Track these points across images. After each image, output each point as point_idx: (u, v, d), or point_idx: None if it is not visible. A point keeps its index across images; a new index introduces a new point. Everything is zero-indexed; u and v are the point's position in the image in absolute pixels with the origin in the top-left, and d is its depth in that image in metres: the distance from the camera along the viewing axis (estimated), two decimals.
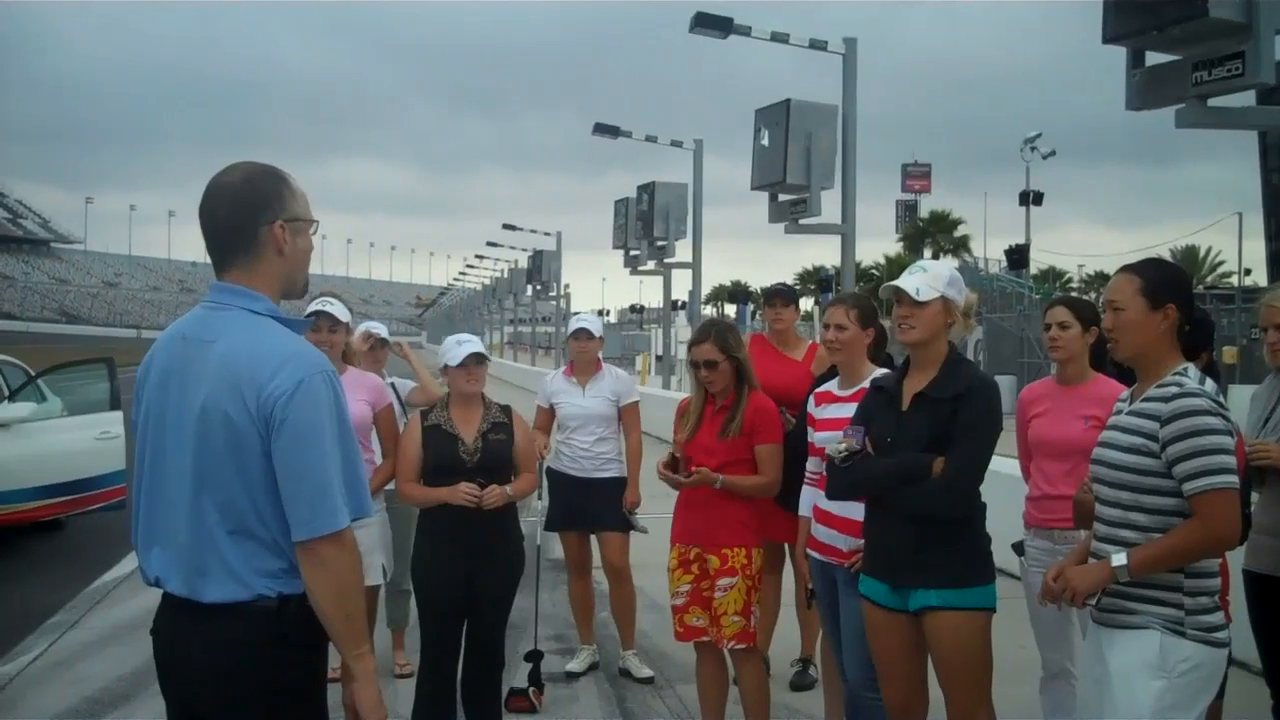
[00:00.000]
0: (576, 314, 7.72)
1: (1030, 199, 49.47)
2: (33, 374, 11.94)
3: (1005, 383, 28.98)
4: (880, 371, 5.18)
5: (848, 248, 14.45)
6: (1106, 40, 8.36)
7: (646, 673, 7.15)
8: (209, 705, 2.96)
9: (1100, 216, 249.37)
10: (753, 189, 14.42)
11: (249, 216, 2.99)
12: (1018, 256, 43.68)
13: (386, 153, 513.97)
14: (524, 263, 51.76)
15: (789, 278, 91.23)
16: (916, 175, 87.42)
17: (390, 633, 7.28)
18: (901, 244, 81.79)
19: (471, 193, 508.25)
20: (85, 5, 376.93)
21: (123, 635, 7.86)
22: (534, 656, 6.68)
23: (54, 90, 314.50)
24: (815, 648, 6.67)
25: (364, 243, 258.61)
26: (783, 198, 14.23)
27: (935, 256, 69.29)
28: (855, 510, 4.74)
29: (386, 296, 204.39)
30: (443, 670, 5.57)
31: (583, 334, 7.27)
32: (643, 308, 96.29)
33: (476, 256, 69.70)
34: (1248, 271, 57.05)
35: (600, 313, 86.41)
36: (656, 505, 6.64)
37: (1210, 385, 3.68)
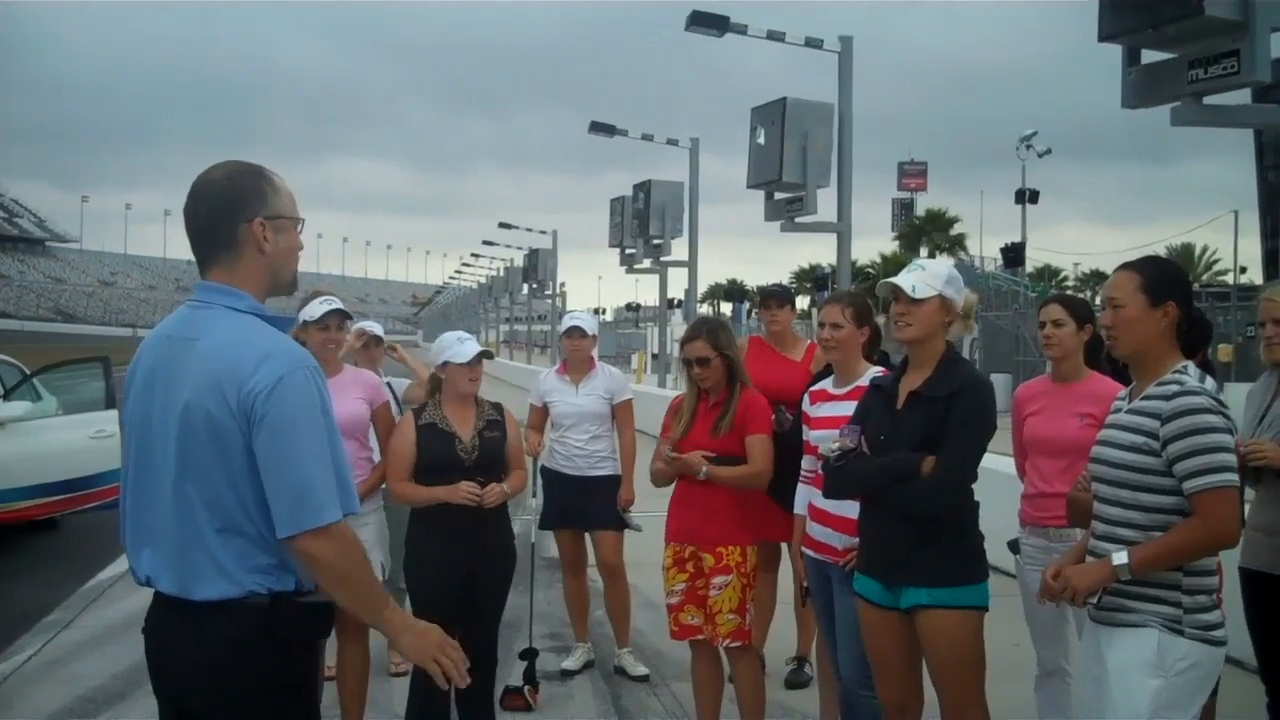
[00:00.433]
0: (571, 312, 7.71)
1: (1026, 197, 49.61)
2: (28, 373, 11.94)
3: (1001, 381, 29.01)
4: (875, 370, 5.18)
5: (844, 246, 14.45)
6: (1102, 38, 8.36)
7: (642, 671, 7.14)
8: (201, 703, 2.95)
9: (1096, 214, 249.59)
10: (749, 187, 14.43)
11: (228, 214, 2.99)
12: (1013, 255, 43.79)
13: (383, 152, 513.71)
14: (520, 261, 51.77)
15: (785, 276, 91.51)
16: (912, 173, 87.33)
17: None
18: (897, 242, 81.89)
19: (467, 191, 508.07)
20: (83, 4, 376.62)
21: (117, 634, 7.84)
22: (529, 655, 6.68)
23: (50, 89, 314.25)
24: (811, 646, 6.67)
25: (360, 241, 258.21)
26: (779, 196, 14.24)
27: (931, 255, 69.38)
28: (850, 509, 4.74)
29: (382, 295, 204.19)
30: None
31: (576, 332, 7.27)
32: (639, 306, 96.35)
33: (472, 255, 69.78)
34: (1243, 269, 57.16)
35: (596, 311, 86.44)
36: (651, 503, 6.64)
37: (1210, 383, 3.68)
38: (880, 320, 5.78)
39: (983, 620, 4.35)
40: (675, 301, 34.42)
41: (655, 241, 23.44)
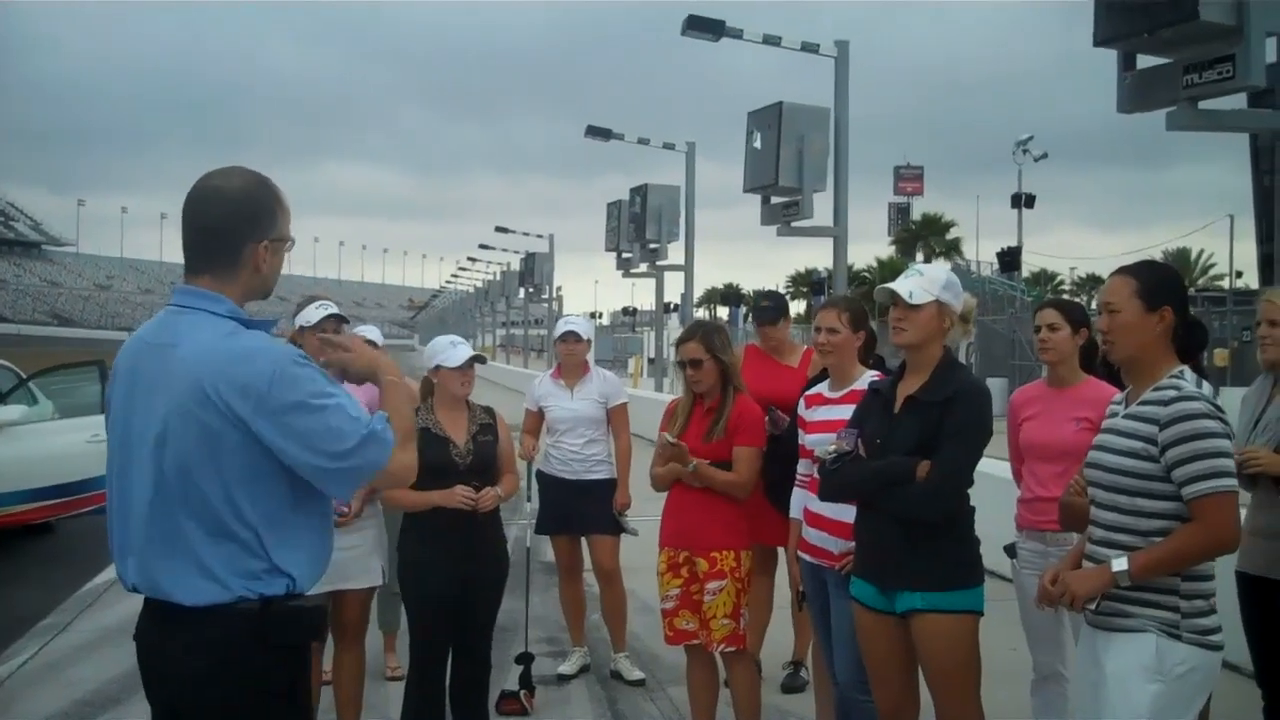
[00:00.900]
0: (566, 316, 7.71)
1: (1022, 201, 49.63)
2: (24, 376, 11.93)
3: (997, 385, 29.02)
4: (871, 374, 5.19)
5: (840, 250, 14.48)
6: (1098, 43, 8.39)
7: (638, 675, 7.14)
8: (193, 709, 2.94)
9: (1092, 219, 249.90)
10: (745, 191, 14.46)
11: (238, 231, 2.99)
12: (1009, 259, 43.81)
13: (378, 156, 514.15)
14: (516, 265, 51.83)
15: (781, 280, 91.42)
16: (909, 178, 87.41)
17: (382, 635, 7.27)
18: (894, 247, 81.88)
19: (463, 195, 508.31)
20: (80, 9, 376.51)
21: (113, 638, 7.83)
22: (525, 659, 6.67)
23: (46, 93, 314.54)
24: (807, 650, 6.67)
25: (356, 245, 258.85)
26: (775, 200, 14.27)
27: (927, 259, 69.35)
28: (846, 513, 4.74)
29: (379, 299, 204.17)
30: (432, 674, 5.55)
31: (570, 336, 7.27)
32: (635, 310, 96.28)
33: (469, 259, 69.78)
34: (1239, 274, 57.21)
35: (593, 315, 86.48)
36: (647, 507, 6.64)
37: (1207, 388, 3.68)
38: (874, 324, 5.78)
39: (978, 625, 4.35)
40: (672, 305, 34.34)
41: (652, 245, 23.50)
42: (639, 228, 23.33)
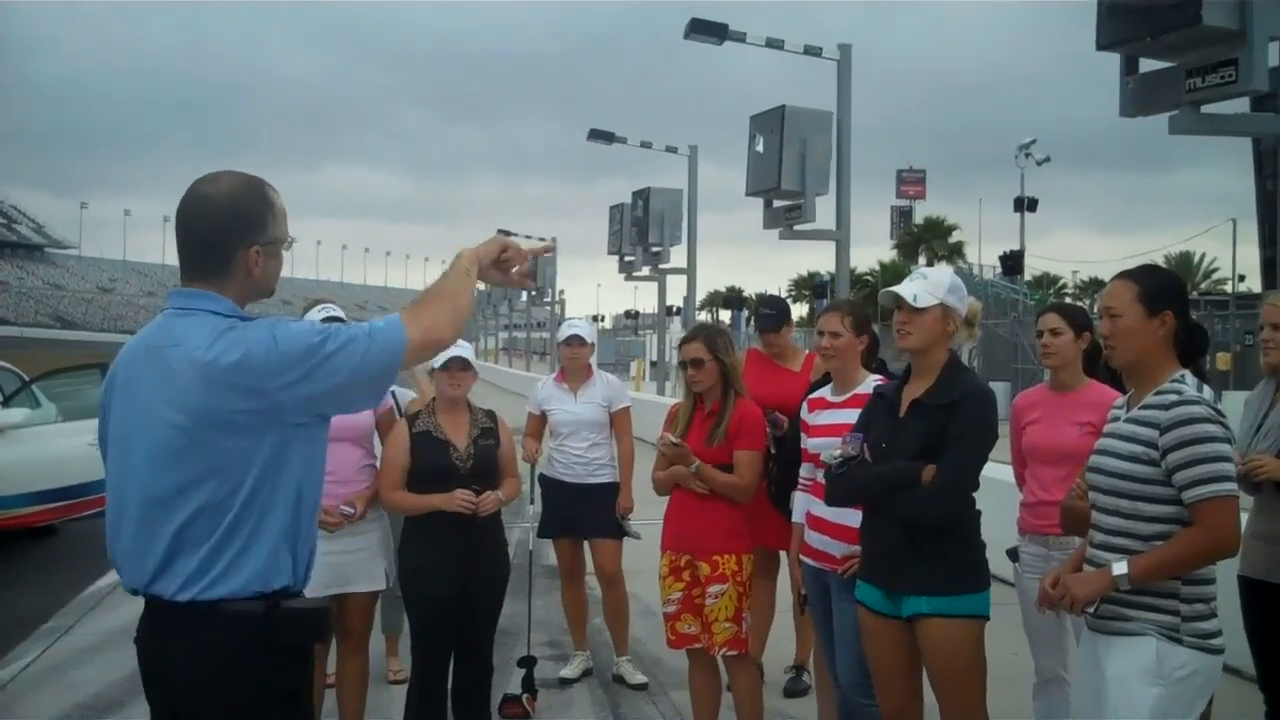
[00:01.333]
0: (569, 320, 7.71)
1: (1025, 205, 49.63)
2: (27, 379, 11.94)
3: (1000, 389, 28.97)
4: (874, 378, 5.20)
5: (842, 254, 14.50)
6: (1101, 47, 8.40)
7: (640, 679, 7.14)
8: (195, 712, 2.93)
9: (1095, 222, 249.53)
10: (747, 195, 14.47)
11: (227, 239, 2.98)
12: (1012, 262, 43.82)
13: (379, 158, 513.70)
14: None
15: (783, 284, 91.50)
16: (911, 181, 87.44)
17: (384, 638, 7.27)
18: (896, 250, 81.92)
19: (464, 198, 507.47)
20: (76, 9, 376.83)
21: (116, 641, 7.83)
22: (527, 662, 6.67)
23: (47, 95, 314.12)
24: (809, 654, 6.67)
25: (359, 248, 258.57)
26: (777, 203, 14.28)
27: (930, 263, 69.32)
28: (848, 516, 4.75)
29: (381, 302, 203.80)
30: (434, 678, 5.55)
31: (575, 340, 7.28)
32: (638, 313, 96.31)
33: None
34: (1242, 278, 57.18)
35: (595, 318, 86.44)
36: (649, 511, 6.64)
37: (1208, 392, 3.68)
38: (877, 328, 5.79)
39: (984, 629, 4.35)
40: (674, 309, 34.39)
41: (654, 249, 23.50)
42: (641, 231, 23.34)
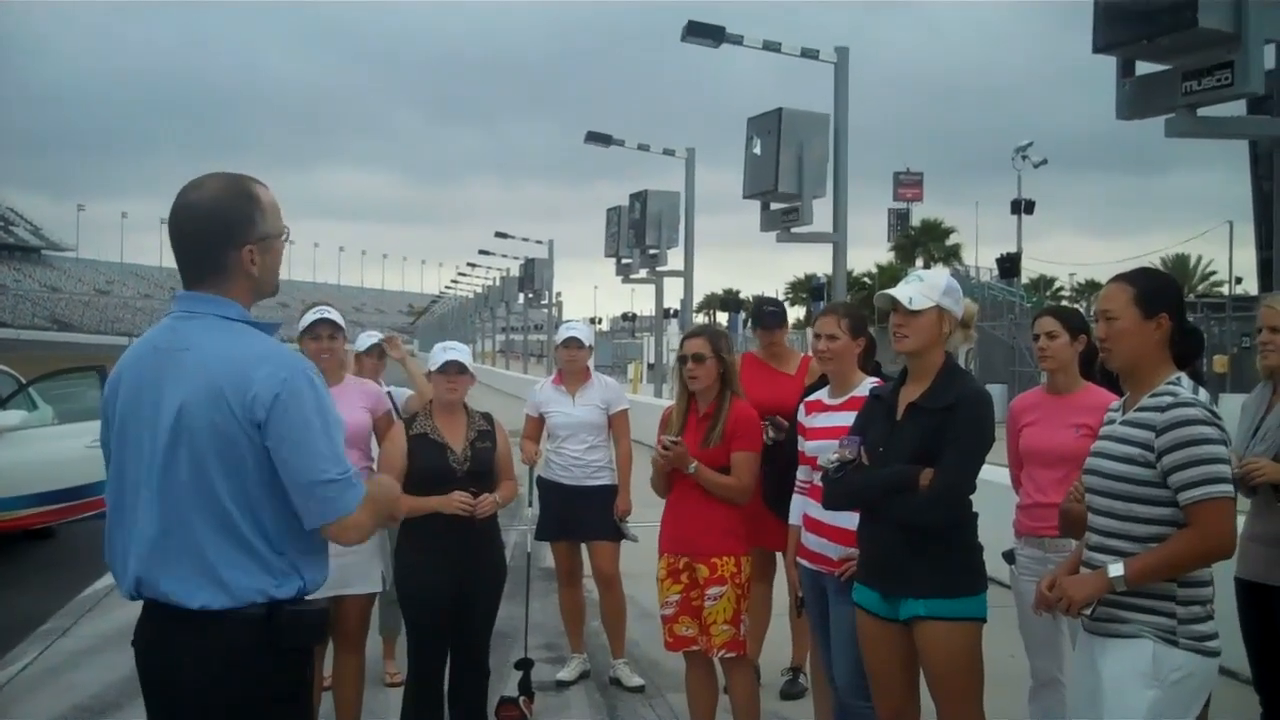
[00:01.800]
0: (567, 322, 7.71)
1: (1021, 208, 49.57)
2: (24, 382, 11.93)
3: (996, 391, 29.00)
4: (871, 380, 5.20)
5: (839, 256, 14.49)
6: (1097, 50, 8.41)
7: (637, 681, 7.14)
8: (197, 714, 2.94)
9: (1091, 225, 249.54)
10: (745, 197, 14.48)
11: (217, 243, 3.00)
12: (1009, 265, 43.77)
13: (376, 161, 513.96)
14: (516, 271, 51.83)
15: (780, 286, 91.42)
16: (908, 184, 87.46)
17: (382, 640, 7.27)
18: (893, 253, 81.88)
19: (462, 201, 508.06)
20: (74, 12, 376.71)
21: (113, 643, 7.82)
22: (524, 665, 6.67)
23: (46, 99, 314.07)
24: (806, 657, 6.67)
25: (355, 251, 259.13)
26: (775, 206, 14.29)
27: (927, 265, 69.31)
28: (846, 519, 4.75)
29: (378, 305, 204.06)
30: (431, 681, 5.56)
31: (573, 343, 7.28)
32: (635, 316, 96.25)
33: (469, 265, 69.72)
34: (1238, 280, 57.07)
35: (592, 321, 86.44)
36: (647, 513, 6.64)
37: (1204, 395, 3.69)
38: (874, 331, 5.80)
39: (981, 632, 4.35)
40: (671, 311, 34.35)
41: (651, 251, 23.51)
42: (639, 233, 23.33)
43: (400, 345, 7.62)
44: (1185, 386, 3.65)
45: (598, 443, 7.25)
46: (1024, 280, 49.00)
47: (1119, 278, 3.83)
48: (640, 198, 23.25)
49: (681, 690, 5.99)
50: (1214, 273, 74.45)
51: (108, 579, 9.61)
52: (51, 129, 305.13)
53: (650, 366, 39.55)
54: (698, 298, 29.88)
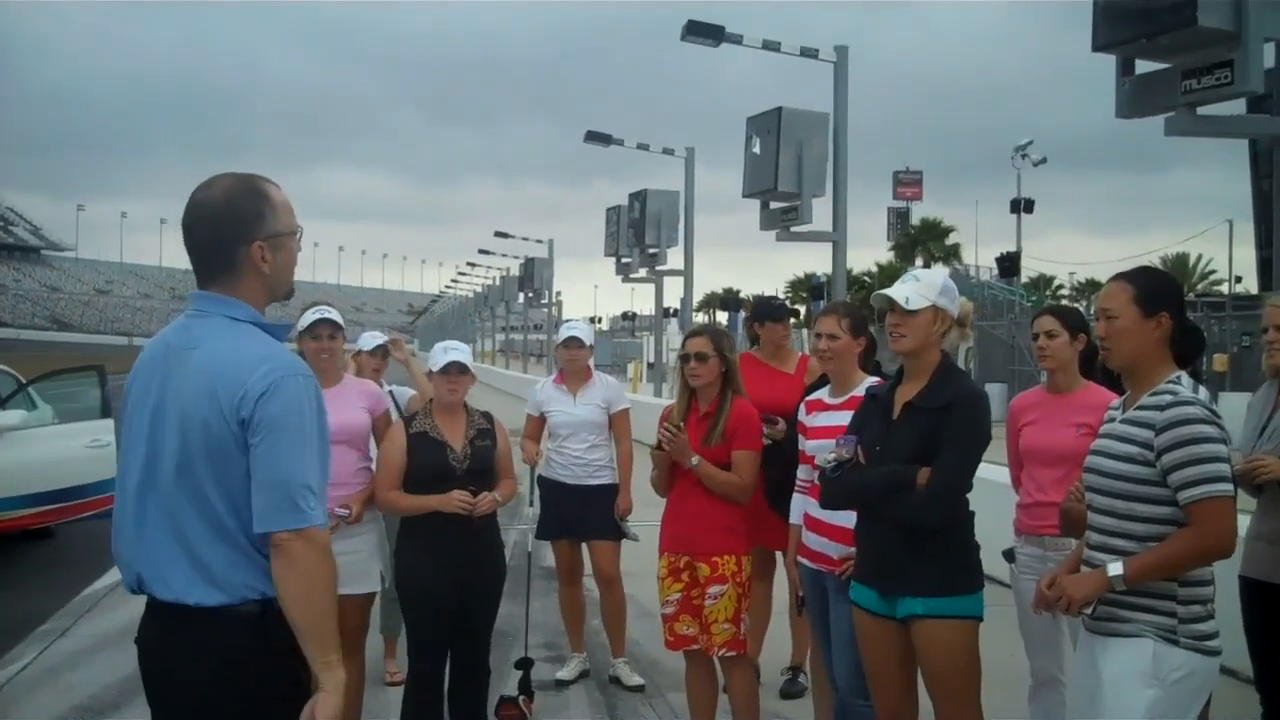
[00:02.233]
0: (568, 322, 7.70)
1: (1021, 207, 49.56)
2: (23, 381, 11.92)
3: (996, 391, 29.06)
4: (871, 380, 5.19)
5: (839, 256, 14.48)
6: (1097, 48, 8.41)
7: (637, 681, 7.14)
8: (195, 712, 2.94)
9: (1091, 224, 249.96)
10: (744, 196, 14.48)
11: (227, 239, 3.01)
12: (1009, 264, 43.74)
13: (375, 161, 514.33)
14: (516, 270, 51.83)
15: (780, 285, 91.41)
16: (908, 183, 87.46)
17: (383, 640, 7.27)
18: (893, 252, 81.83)
19: (461, 201, 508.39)
20: (73, 12, 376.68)
21: (112, 643, 7.83)
22: (524, 664, 6.67)
23: (46, 100, 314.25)
24: (806, 656, 6.67)
25: (355, 250, 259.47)
26: (774, 205, 14.28)
27: (927, 264, 69.30)
28: (846, 518, 4.74)
29: (378, 304, 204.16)
30: (431, 680, 5.56)
31: (574, 342, 7.27)
32: (635, 315, 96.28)
33: (468, 264, 69.73)
34: (1238, 279, 57.13)
35: (592, 320, 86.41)
36: (648, 512, 6.64)
37: (1204, 393, 3.68)
38: (874, 330, 5.79)
39: (978, 630, 4.35)
40: (671, 310, 34.35)
41: (651, 250, 23.52)
42: (638, 233, 23.35)
43: (404, 347, 7.61)
44: (1185, 385, 3.65)
45: (599, 442, 7.25)
46: (1024, 279, 49.04)
47: (1119, 276, 3.82)
48: (640, 197, 23.26)
49: (681, 689, 5.98)
50: (1214, 271, 74.53)
51: (107, 579, 9.64)
52: (51, 129, 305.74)
53: (650, 366, 39.54)
54: (697, 297, 29.90)
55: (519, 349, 68.06)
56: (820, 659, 5.55)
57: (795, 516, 5.39)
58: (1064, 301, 58.16)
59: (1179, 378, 3.68)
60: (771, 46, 15.18)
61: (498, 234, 48.17)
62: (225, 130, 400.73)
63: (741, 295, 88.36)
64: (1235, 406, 5.26)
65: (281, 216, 3.07)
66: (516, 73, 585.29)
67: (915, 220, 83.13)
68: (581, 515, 7.16)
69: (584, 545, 7.32)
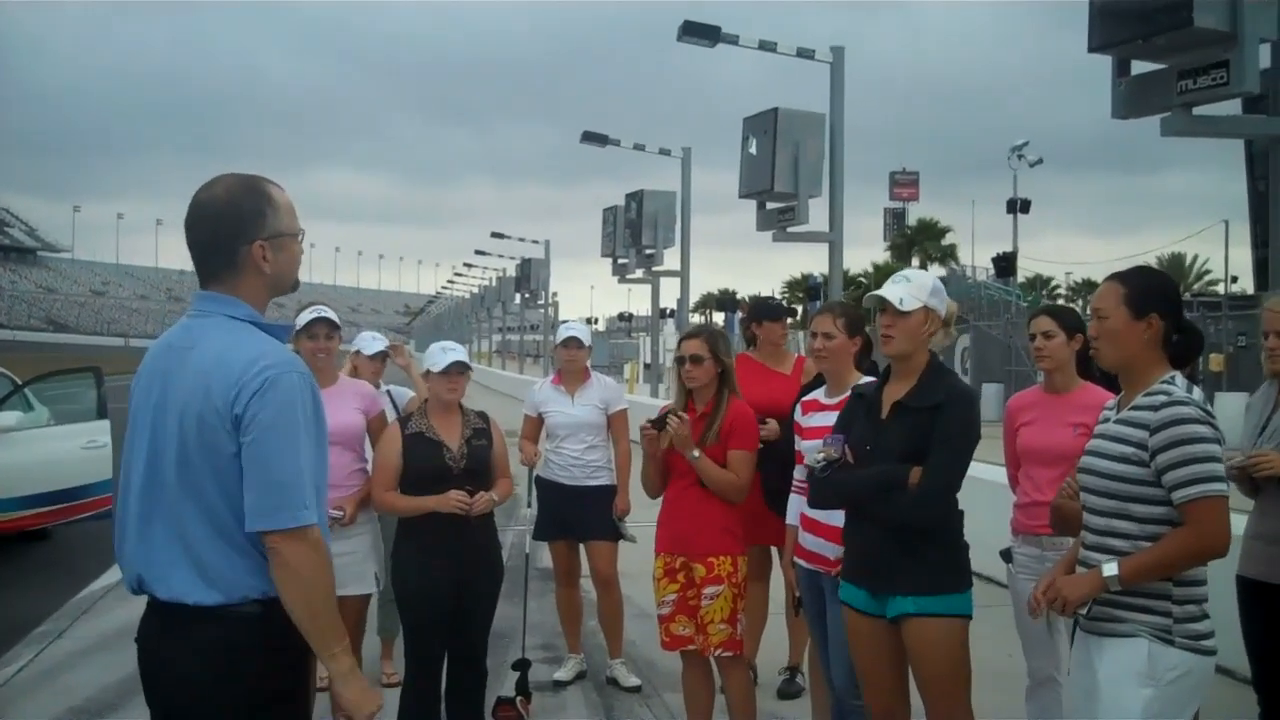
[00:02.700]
0: (565, 322, 7.70)
1: (1018, 207, 49.64)
2: (20, 383, 11.90)
3: (992, 390, 29.09)
4: (866, 379, 5.20)
5: (835, 256, 14.50)
6: (1093, 49, 8.43)
7: (634, 681, 7.14)
8: (194, 712, 2.95)
9: (1087, 224, 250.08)
10: (741, 197, 14.49)
11: (228, 238, 3.02)
12: (1005, 264, 43.78)
13: (371, 162, 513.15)
14: (512, 271, 51.84)
15: (777, 286, 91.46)
16: (904, 183, 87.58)
17: (379, 641, 7.27)
18: (889, 252, 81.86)
19: (457, 202, 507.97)
20: (70, 13, 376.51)
21: (109, 644, 7.83)
22: (521, 665, 6.66)
23: (42, 100, 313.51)
24: (803, 656, 6.67)
25: (351, 251, 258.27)
26: (771, 206, 14.30)
27: (923, 265, 69.36)
28: (843, 518, 4.75)
29: (375, 305, 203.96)
30: (428, 681, 5.56)
31: (572, 343, 7.27)
32: (631, 316, 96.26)
33: (465, 265, 69.73)
34: (1234, 279, 57.28)
35: (589, 321, 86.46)
36: (646, 513, 6.63)
37: (1198, 394, 3.68)
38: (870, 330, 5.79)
39: (967, 628, 4.36)
40: (668, 311, 34.41)
41: (648, 251, 23.54)
42: (635, 233, 23.37)
43: (405, 353, 7.63)
44: (1179, 385, 3.65)
45: (597, 443, 7.25)
46: (1020, 279, 49.05)
47: (1113, 277, 3.83)
48: (636, 198, 23.29)
49: (678, 690, 5.99)
50: (1210, 271, 74.63)
51: (103, 580, 9.64)
52: (47, 130, 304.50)
53: (647, 366, 39.56)
54: (694, 297, 29.96)
55: (515, 350, 68.06)
56: (818, 659, 5.55)
57: (791, 517, 5.39)
58: (1060, 302, 58.15)
59: (1173, 378, 3.68)
60: (768, 47, 15.20)
61: (494, 234, 48.21)
62: (222, 131, 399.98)
63: (738, 296, 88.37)
64: (1232, 406, 5.27)
65: (284, 217, 3.08)
66: (513, 73, 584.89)
67: (912, 221, 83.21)
68: (579, 516, 7.16)
69: (581, 546, 7.33)
